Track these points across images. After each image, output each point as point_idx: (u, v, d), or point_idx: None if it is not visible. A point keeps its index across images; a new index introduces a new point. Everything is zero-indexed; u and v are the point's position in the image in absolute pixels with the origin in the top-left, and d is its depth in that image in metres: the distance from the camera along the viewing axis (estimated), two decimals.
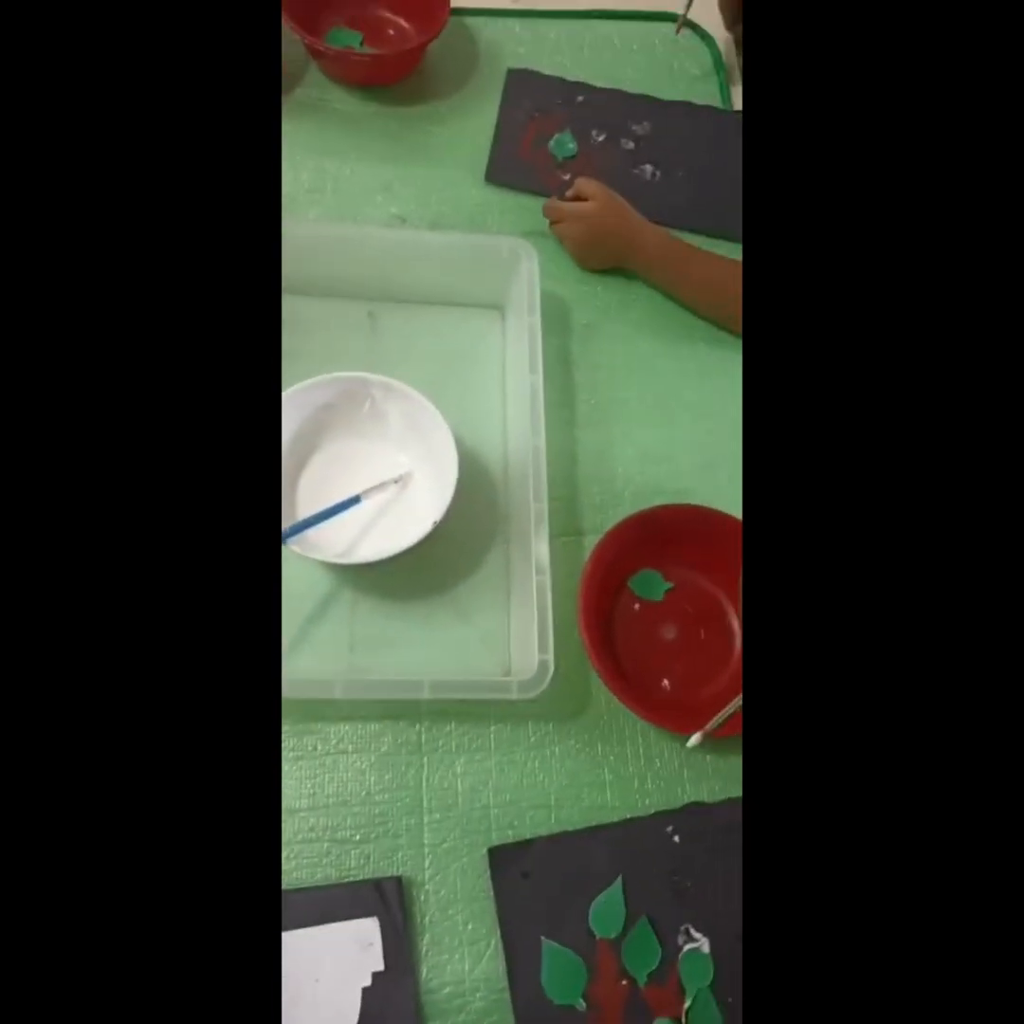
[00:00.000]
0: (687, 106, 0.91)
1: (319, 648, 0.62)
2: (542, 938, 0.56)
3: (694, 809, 0.62)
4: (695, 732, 0.58)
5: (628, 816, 0.61)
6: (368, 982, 0.53)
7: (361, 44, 0.87)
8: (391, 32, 0.89)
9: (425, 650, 0.63)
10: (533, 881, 0.58)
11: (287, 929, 0.53)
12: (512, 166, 0.84)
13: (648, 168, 0.87)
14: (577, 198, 0.78)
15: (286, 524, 0.60)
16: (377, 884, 0.55)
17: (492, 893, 0.57)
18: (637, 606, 0.67)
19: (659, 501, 0.68)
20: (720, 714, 0.58)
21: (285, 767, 0.59)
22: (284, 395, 0.62)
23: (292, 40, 0.83)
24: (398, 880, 0.56)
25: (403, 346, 0.73)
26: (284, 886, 0.55)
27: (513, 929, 0.56)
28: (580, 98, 0.89)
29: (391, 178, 0.81)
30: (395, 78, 0.87)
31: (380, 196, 0.80)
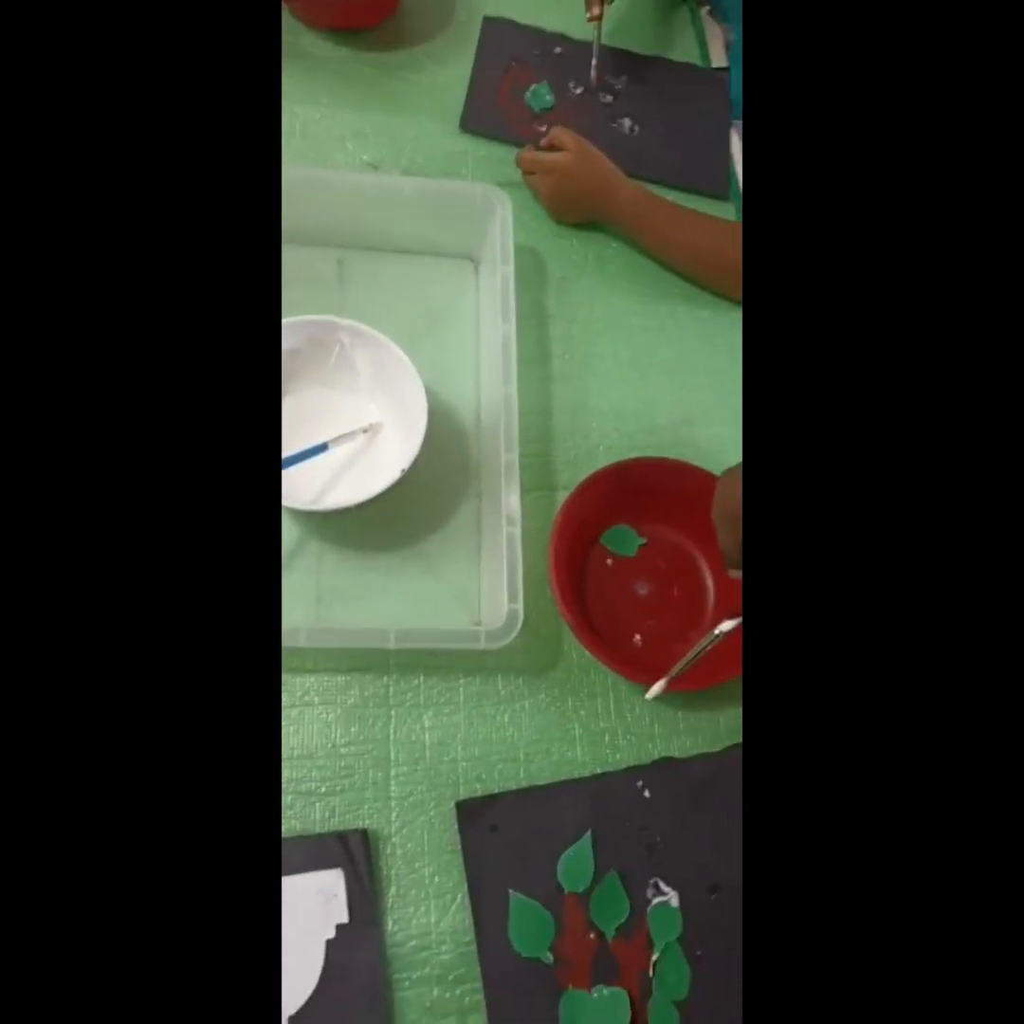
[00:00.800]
0: (666, 62, 0.90)
1: (285, 599, 0.60)
2: (510, 891, 0.56)
3: (665, 764, 0.61)
4: (655, 683, 0.58)
5: (598, 771, 0.60)
6: (332, 934, 0.52)
7: None
8: None
9: (394, 603, 0.62)
10: (501, 834, 0.57)
11: None
12: (488, 116, 0.82)
13: (626, 122, 0.85)
14: (552, 148, 0.76)
15: None
16: (342, 836, 0.54)
17: (459, 846, 0.56)
18: (610, 561, 0.66)
19: (634, 457, 0.67)
20: (679, 663, 0.57)
21: None
22: None
23: None
24: (364, 832, 0.55)
25: (373, 296, 0.71)
26: None
27: (480, 882, 0.55)
28: (558, 50, 0.87)
29: (363, 125, 0.79)
30: (369, 22, 0.84)
31: (351, 143, 0.78)
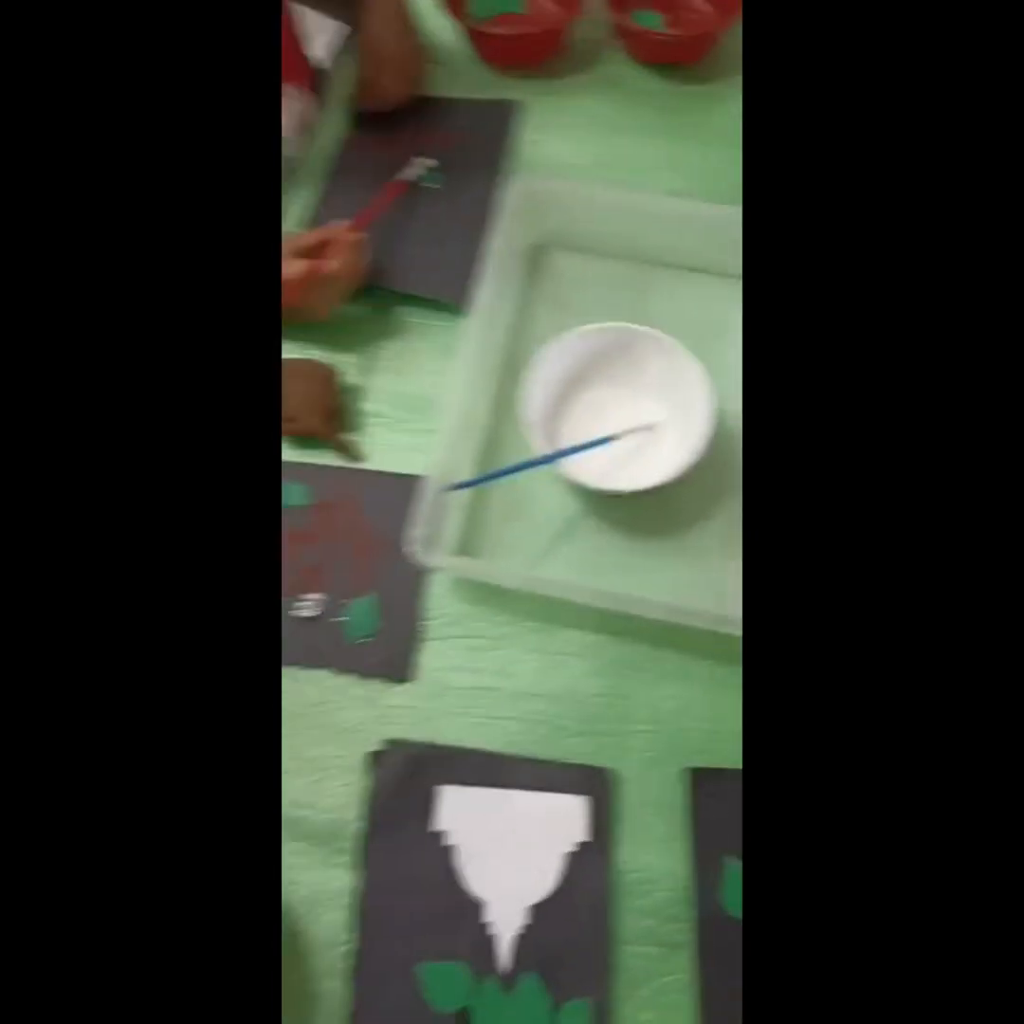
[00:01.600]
0: None
1: (564, 560, 0.70)
2: (726, 857, 0.62)
3: None
4: None
5: None
6: (571, 849, 0.60)
7: (663, 24, 0.93)
8: (691, 15, 0.94)
9: (654, 580, 0.70)
10: (724, 805, 0.63)
11: (511, 788, 0.62)
12: None
13: None
14: None
15: (549, 450, 0.68)
16: (588, 770, 0.63)
17: (685, 805, 0.63)
18: None
19: None
20: None
21: (522, 656, 0.67)
22: (563, 340, 0.71)
23: (598, 20, 0.90)
24: (605, 771, 0.63)
25: (668, 308, 0.79)
26: (513, 752, 0.64)
27: (701, 841, 0.62)
28: None
29: (677, 154, 0.87)
30: (690, 59, 0.92)
31: (664, 171, 0.86)
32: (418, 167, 0.85)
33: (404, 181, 0.84)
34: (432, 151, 0.87)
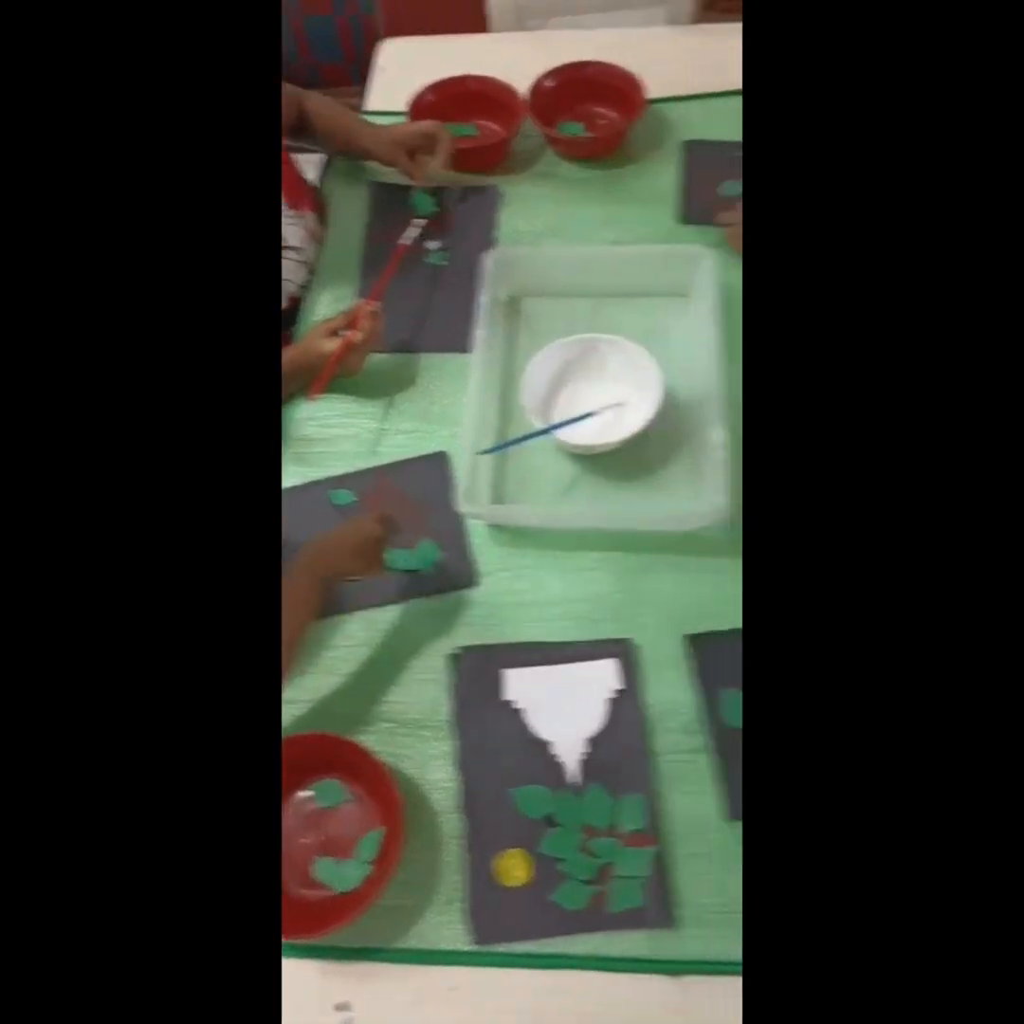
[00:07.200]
0: None
1: (567, 508, 0.94)
2: (720, 689, 0.82)
3: None
4: None
5: None
6: (610, 696, 0.82)
7: (583, 130, 1.25)
8: (603, 121, 1.27)
9: (637, 510, 0.94)
10: (714, 654, 0.84)
11: (560, 663, 0.85)
12: (695, 205, 1.17)
13: None
14: None
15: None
16: (615, 641, 0.85)
17: (687, 656, 0.84)
18: None
19: None
20: None
21: (551, 576, 0.90)
22: (547, 349, 0.97)
23: (534, 133, 1.21)
24: (627, 640, 0.85)
25: (619, 323, 1.06)
26: (556, 639, 0.86)
27: (703, 680, 0.83)
28: (738, 154, 1.21)
29: (609, 218, 1.16)
30: (606, 153, 1.23)
31: (600, 228, 1.15)
32: (415, 228, 1.12)
33: (404, 245, 1.10)
34: (437, 234, 1.15)
